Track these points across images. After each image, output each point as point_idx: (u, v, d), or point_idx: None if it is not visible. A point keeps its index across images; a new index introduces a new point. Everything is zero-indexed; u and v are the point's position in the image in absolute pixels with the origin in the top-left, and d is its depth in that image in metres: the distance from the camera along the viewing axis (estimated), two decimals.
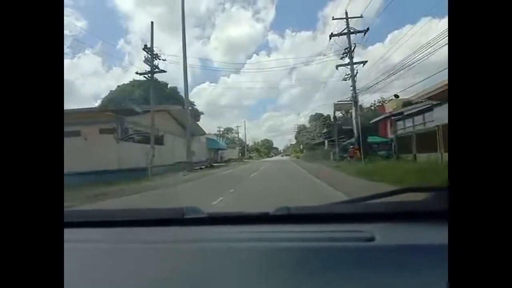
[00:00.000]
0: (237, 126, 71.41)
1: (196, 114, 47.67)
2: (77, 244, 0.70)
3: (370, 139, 19.34)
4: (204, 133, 35.03)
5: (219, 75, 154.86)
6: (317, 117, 71.97)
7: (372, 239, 0.63)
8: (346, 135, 24.83)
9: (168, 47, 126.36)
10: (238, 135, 70.71)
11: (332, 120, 32.90)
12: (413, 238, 0.65)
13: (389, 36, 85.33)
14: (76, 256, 0.63)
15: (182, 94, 46.48)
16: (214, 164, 25.99)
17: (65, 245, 0.50)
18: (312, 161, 27.69)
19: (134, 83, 37.03)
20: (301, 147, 62.60)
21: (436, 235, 0.60)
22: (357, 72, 17.79)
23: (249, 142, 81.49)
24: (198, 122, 46.25)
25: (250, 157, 63.01)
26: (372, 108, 29.01)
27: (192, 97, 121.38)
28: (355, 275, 0.50)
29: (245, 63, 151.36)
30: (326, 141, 29.70)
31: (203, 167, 22.95)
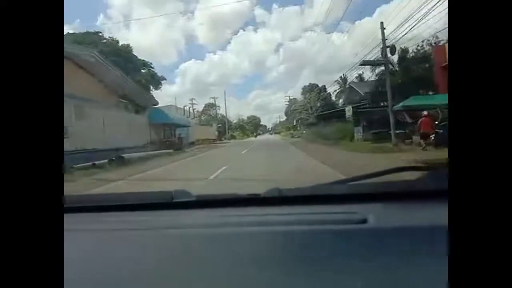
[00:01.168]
0: (214, 98, 55.99)
1: (156, 80, 35.71)
2: (68, 230, 0.66)
3: None
4: (156, 103, 23.37)
5: (204, 51, 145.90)
6: (311, 88, 62.02)
7: (364, 221, 0.60)
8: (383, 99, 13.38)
9: (151, 23, 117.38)
10: (216, 109, 58.72)
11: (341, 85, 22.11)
12: (408, 219, 0.63)
13: (377, 10, 78.61)
14: (68, 241, 0.60)
15: (142, 58, 34.64)
16: (126, 156, 11.35)
17: None
18: (326, 143, 16.20)
19: (68, 36, 25.59)
20: (295, 123, 51.72)
21: (434, 216, 0.57)
22: None
23: (234, 119, 69.86)
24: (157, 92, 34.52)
25: (233, 136, 51.29)
26: (421, 52, 17.68)
27: (177, 74, 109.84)
28: (346, 259, 0.49)
29: (231, 39, 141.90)
30: (349, 108, 17.97)
31: (99, 163, 9.96)
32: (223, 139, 43.59)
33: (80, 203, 0.92)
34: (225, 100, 59.36)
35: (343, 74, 57.71)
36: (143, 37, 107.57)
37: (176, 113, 29.70)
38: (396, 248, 0.51)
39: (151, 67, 35.32)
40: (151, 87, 35.09)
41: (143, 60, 34.41)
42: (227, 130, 50.01)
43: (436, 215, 0.55)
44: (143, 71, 33.00)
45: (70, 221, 0.70)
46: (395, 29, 11.81)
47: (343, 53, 68.96)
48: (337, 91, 58.11)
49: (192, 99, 47.26)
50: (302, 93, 65.84)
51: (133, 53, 33.11)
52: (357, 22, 60.73)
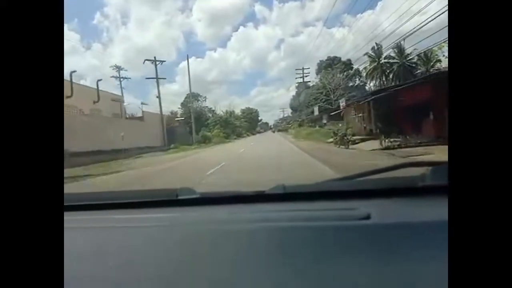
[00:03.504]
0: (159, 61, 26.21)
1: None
2: (71, 228, 0.66)
3: None
4: None
5: (204, 49, 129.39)
6: (332, 62, 39.98)
7: (367, 217, 0.61)
8: None
9: (149, 20, 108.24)
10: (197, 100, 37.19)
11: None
12: (410, 215, 0.63)
13: (380, 4, 66.77)
14: (70, 239, 0.60)
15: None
16: None
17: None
18: None
19: None
20: (315, 113, 29.98)
21: (435, 211, 0.59)
22: None
23: (220, 111, 48.33)
24: None
25: (206, 139, 29.89)
26: None
27: (178, 73, 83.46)
28: (349, 254, 0.50)
29: (231, 36, 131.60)
30: None
31: None
32: (171, 146, 21.92)
33: (81, 201, 0.90)
34: (188, 69, 30.30)
35: (376, 44, 36.10)
36: (142, 35, 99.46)
37: None
38: (399, 243, 0.51)
39: None
40: None
41: None
42: (194, 129, 28.14)
43: (437, 210, 0.57)
44: None
45: (72, 219, 0.70)
46: None
47: (345, 47, 55.92)
48: (369, 68, 36.63)
49: (117, 66, 25.99)
50: (317, 72, 44.13)
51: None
52: (358, 15, 48.23)
